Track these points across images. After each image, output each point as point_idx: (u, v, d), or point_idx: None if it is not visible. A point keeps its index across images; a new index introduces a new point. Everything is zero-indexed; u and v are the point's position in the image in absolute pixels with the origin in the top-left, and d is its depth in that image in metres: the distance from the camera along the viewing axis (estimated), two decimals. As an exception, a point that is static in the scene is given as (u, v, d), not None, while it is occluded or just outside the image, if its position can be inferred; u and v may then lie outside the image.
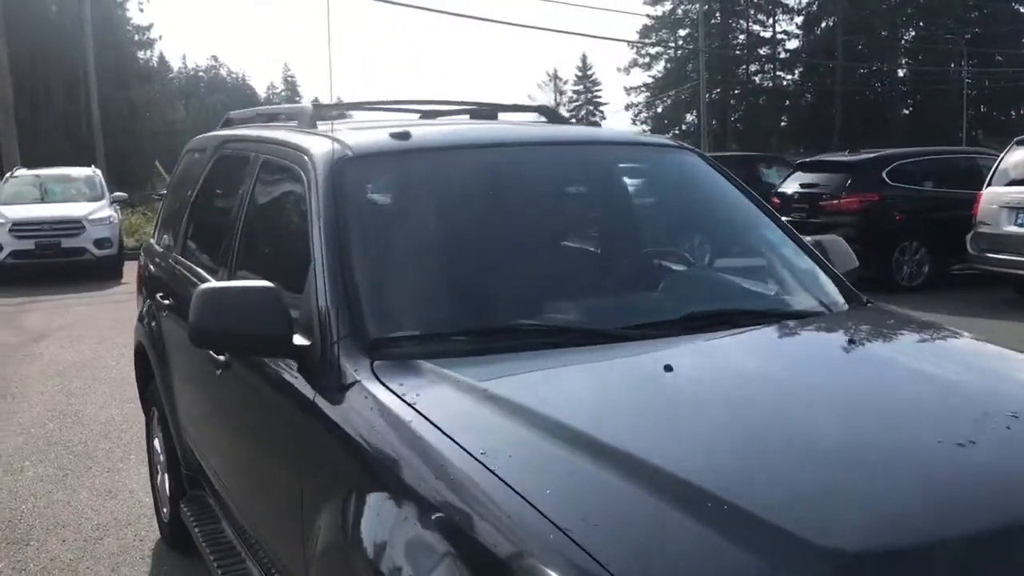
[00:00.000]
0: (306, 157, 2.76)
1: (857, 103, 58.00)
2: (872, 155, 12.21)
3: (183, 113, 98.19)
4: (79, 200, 15.31)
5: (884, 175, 11.48)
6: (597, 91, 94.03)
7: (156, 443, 4.32)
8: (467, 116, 3.87)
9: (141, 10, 51.22)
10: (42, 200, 15.41)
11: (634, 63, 69.14)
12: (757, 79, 68.36)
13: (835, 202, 11.46)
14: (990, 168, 10.63)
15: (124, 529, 4.44)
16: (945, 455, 1.76)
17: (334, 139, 2.80)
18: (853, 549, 1.44)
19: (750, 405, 1.99)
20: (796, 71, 65.32)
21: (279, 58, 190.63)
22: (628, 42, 66.23)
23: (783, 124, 65.62)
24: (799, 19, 63.37)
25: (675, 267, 2.97)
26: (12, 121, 20.80)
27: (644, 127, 71.67)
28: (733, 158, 19.18)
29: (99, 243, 14.28)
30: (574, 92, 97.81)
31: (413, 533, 1.73)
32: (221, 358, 2.86)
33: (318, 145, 2.79)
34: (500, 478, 1.64)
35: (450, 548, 1.61)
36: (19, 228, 14.04)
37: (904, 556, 1.46)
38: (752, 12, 66.38)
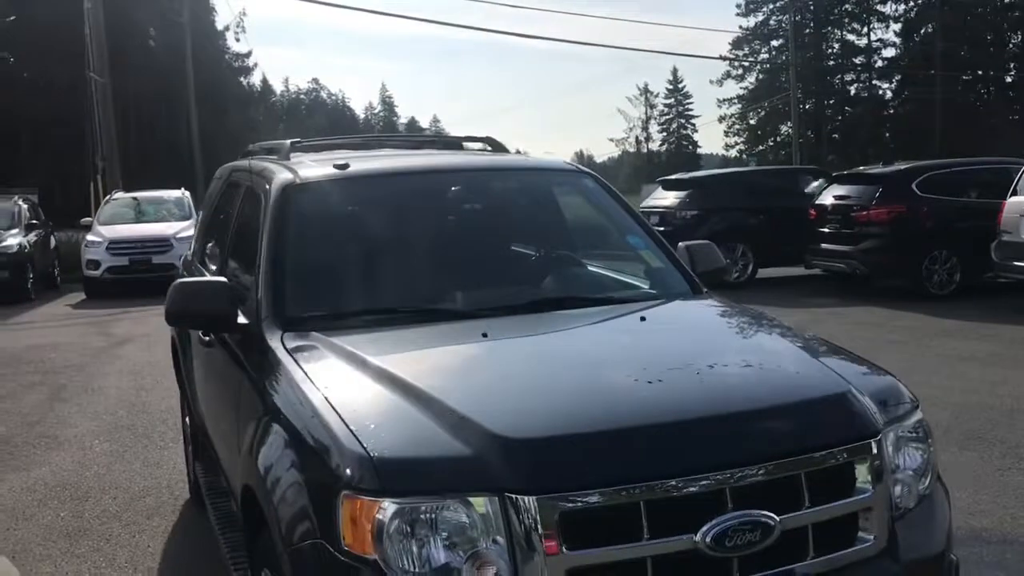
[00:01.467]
0: (267, 184, 3.63)
1: (960, 111, 56.17)
2: (903, 167, 12.56)
3: (283, 135, 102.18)
4: (169, 220, 16.72)
5: (914, 186, 11.80)
6: (688, 104, 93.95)
7: (186, 418, 5.26)
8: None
9: (237, 39, 53.67)
10: (136, 220, 16.90)
11: (727, 75, 68.61)
12: (853, 89, 67.08)
13: (865, 213, 11.85)
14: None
15: (163, 491, 5.38)
16: (634, 386, 2.48)
17: (292, 170, 3.67)
18: (522, 436, 2.19)
19: (527, 356, 2.77)
20: (894, 80, 63.85)
21: (377, 79, 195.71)
22: (717, 58, 65.98)
23: (882, 134, 64.12)
24: (896, 26, 62.00)
25: (547, 266, 3.71)
26: (115, 148, 22.55)
27: (737, 139, 71.30)
28: (774, 171, 19.53)
29: (185, 259, 15.61)
30: (665, 106, 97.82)
31: (279, 442, 2.55)
32: (207, 339, 3.74)
33: (278, 175, 3.66)
34: (332, 405, 2.44)
35: (294, 447, 2.44)
36: (115, 246, 15.48)
37: (573, 439, 2.21)
38: (847, 21, 65.23)
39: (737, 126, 70.86)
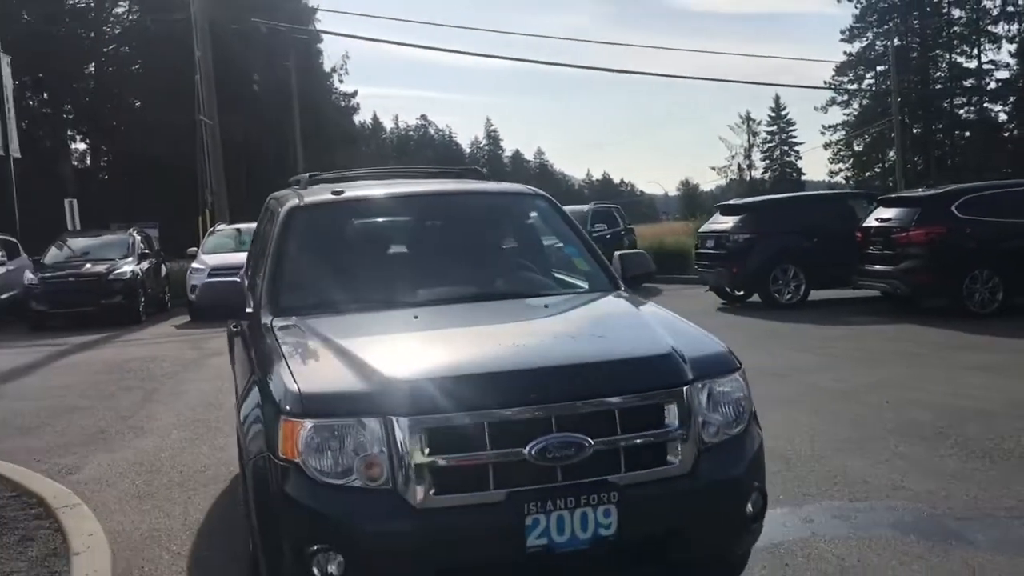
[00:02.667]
0: (280, 207, 4.64)
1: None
2: (943, 189, 12.91)
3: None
4: (268, 249, 18.18)
5: (954, 208, 12.15)
6: (792, 131, 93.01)
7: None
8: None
9: (341, 81, 56.18)
10: (237, 249, 18.40)
11: (832, 101, 67.63)
12: (963, 112, 65.30)
13: (905, 234, 12.25)
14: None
15: (221, 467, 6.43)
16: (498, 347, 3.38)
17: (300, 196, 4.67)
18: (400, 378, 3.09)
19: (436, 329, 3.69)
20: (1008, 102, 61.91)
21: (483, 113, 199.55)
22: (818, 87, 65.28)
23: (996, 158, 62.03)
24: (1010, 47, 60.24)
25: (497, 269, 4.59)
26: (223, 184, 24.45)
27: (842, 166, 70.19)
28: (826, 195, 19.79)
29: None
30: (767, 133, 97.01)
31: (254, 391, 3.51)
32: (234, 328, 4.76)
33: (289, 200, 4.67)
34: (286, 361, 3.38)
35: (260, 392, 3.39)
36: (216, 272, 16.98)
37: (436, 380, 3.09)
38: (956, 43, 63.71)
39: (842, 153, 69.79)
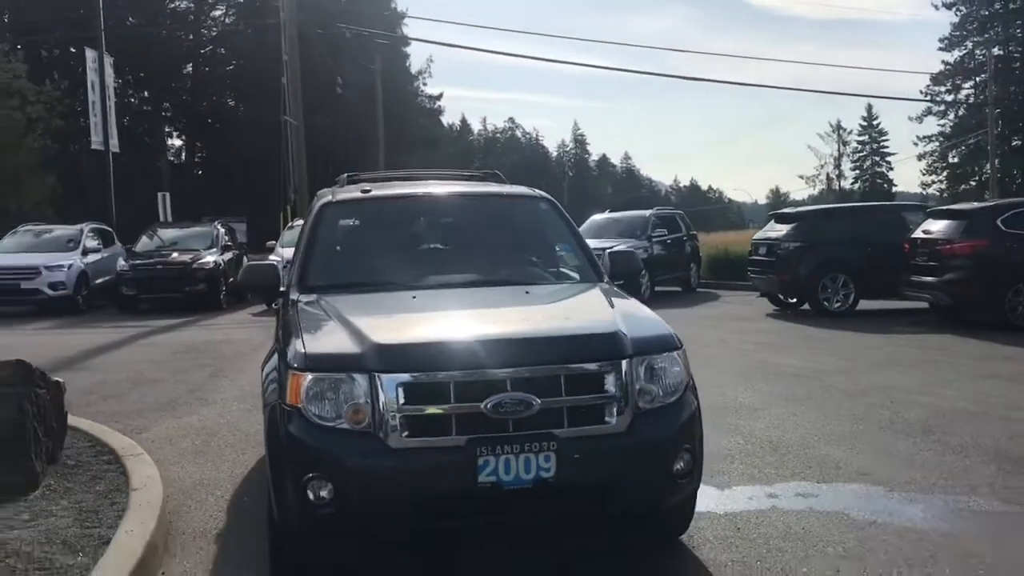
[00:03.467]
0: (316, 203, 5.39)
1: None
2: (989, 203, 13.06)
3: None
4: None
5: (999, 222, 12.34)
6: (884, 141, 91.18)
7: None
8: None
9: (424, 84, 57.48)
10: (312, 244, 19.44)
11: (928, 111, 66.07)
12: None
13: (949, 247, 12.48)
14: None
15: (270, 433, 7.23)
16: (473, 322, 4.03)
17: (333, 193, 5.41)
18: (383, 343, 3.77)
19: (429, 307, 4.37)
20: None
21: (570, 116, 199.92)
22: (914, 99, 63.89)
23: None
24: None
25: (498, 260, 5.23)
26: (305, 182, 25.64)
27: (935, 177, 68.42)
28: (878, 207, 19.83)
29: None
30: (858, 143, 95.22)
31: (274, 354, 4.24)
32: (274, 307, 5.51)
33: (324, 197, 5.41)
34: (300, 328, 4.10)
35: (278, 354, 4.12)
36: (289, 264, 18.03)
37: (413, 345, 3.77)
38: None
39: (936, 165, 68.13)
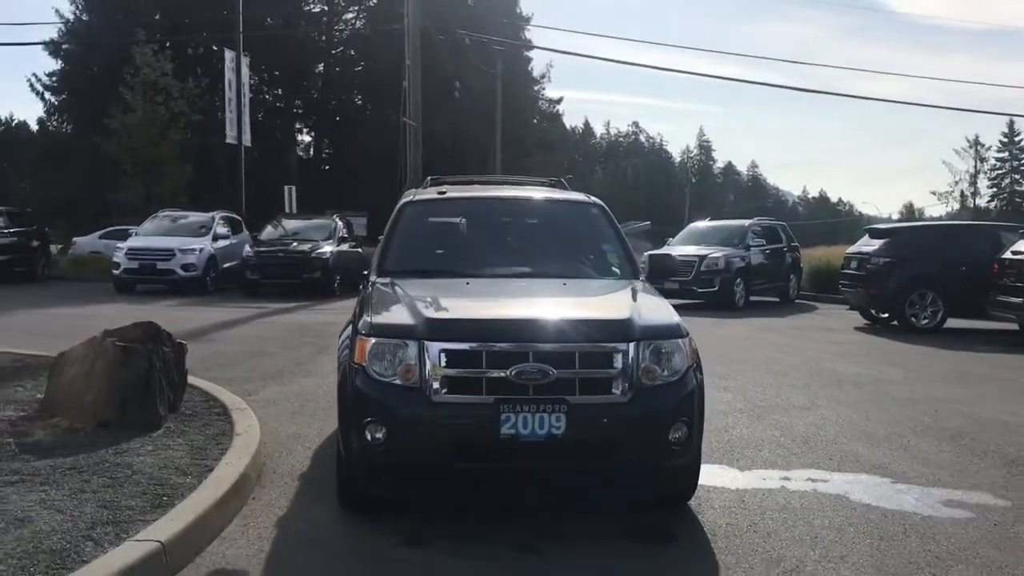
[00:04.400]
0: (400, 201, 6.30)
1: None
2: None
3: (600, 175, 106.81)
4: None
5: (1088, 246, 12.35)
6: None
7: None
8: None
9: (543, 89, 58.28)
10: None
11: (1076, 129, 63.21)
12: None
13: (1036, 269, 12.55)
14: None
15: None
16: (511, 305, 4.84)
17: (415, 193, 6.32)
18: (432, 318, 4.62)
19: (479, 291, 5.23)
20: None
21: (696, 123, 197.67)
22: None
23: None
24: None
25: (550, 256, 6.02)
26: (419, 181, 26.91)
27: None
28: (975, 226, 19.60)
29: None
30: (997, 160, 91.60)
31: (350, 325, 5.16)
32: (360, 288, 6.45)
33: (407, 196, 6.32)
34: (372, 303, 5.01)
35: (352, 324, 5.03)
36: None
37: (457, 321, 4.61)
38: None
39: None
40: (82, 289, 21.41)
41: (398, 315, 4.79)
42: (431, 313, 4.70)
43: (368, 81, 47.88)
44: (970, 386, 9.69)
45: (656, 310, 5.02)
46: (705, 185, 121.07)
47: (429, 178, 6.93)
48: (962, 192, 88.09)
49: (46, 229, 26.33)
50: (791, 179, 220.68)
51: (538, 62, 58.10)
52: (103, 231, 31.65)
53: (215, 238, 21.63)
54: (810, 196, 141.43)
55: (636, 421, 4.54)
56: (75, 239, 33.08)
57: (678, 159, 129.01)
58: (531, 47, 50.77)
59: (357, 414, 4.60)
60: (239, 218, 24.19)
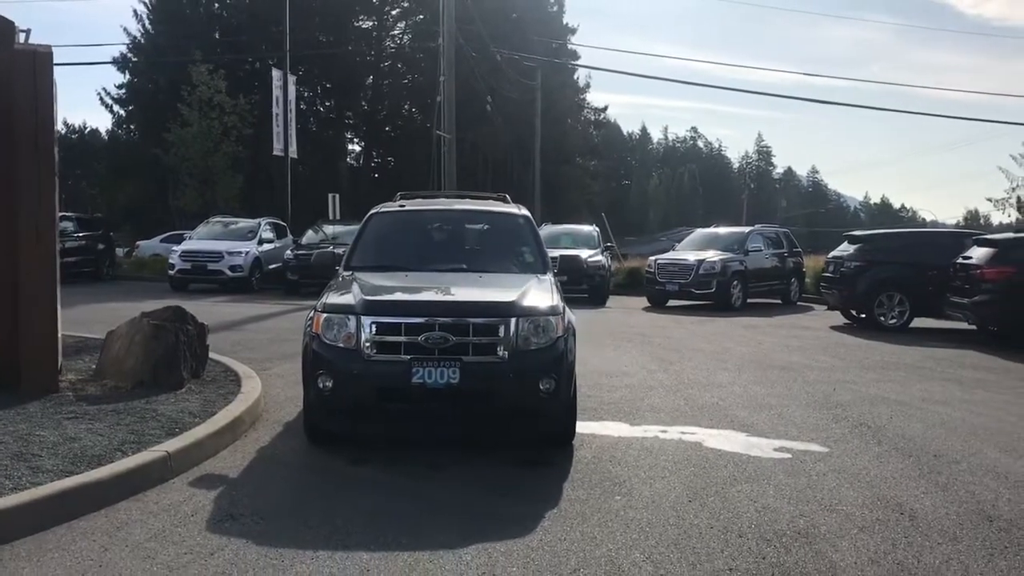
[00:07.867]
0: (369, 212, 8.05)
1: None
2: (1020, 234, 14.24)
3: (656, 181, 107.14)
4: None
5: (1027, 252, 13.59)
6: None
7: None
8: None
9: (585, 97, 59.82)
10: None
11: None
12: None
13: (979, 272, 13.83)
14: None
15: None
16: (430, 291, 6.56)
17: (383, 206, 8.07)
18: (366, 299, 6.33)
19: (412, 280, 6.95)
20: None
21: (754, 128, 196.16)
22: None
23: None
24: None
25: (482, 256, 7.68)
26: (455, 189, 28.72)
27: None
28: (940, 232, 20.68)
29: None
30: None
31: (312, 308, 6.91)
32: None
33: (374, 209, 8.07)
34: (330, 289, 6.75)
35: (313, 307, 6.79)
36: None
37: (383, 301, 6.35)
38: None
39: None
40: (141, 287, 23.64)
41: (344, 297, 6.51)
42: (367, 296, 6.41)
43: (415, 92, 50.04)
44: (885, 372, 11.09)
45: (539, 295, 6.65)
46: (763, 191, 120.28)
47: (399, 193, 8.67)
48: (1019, 198, 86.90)
49: (111, 233, 28.79)
50: (853, 184, 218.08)
51: (583, 71, 59.59)
52: (164, 235, 34.27)
53: (261, 242, 23.72)
54: (872, 202, 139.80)
55: (513, 374, 6.18)
56: (139, 242, 35.84)
57: (736, 165, 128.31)
58: (572, 64, 52.26)
59: (312, 369, 6.33)
60: (283, 224, 26.32)
